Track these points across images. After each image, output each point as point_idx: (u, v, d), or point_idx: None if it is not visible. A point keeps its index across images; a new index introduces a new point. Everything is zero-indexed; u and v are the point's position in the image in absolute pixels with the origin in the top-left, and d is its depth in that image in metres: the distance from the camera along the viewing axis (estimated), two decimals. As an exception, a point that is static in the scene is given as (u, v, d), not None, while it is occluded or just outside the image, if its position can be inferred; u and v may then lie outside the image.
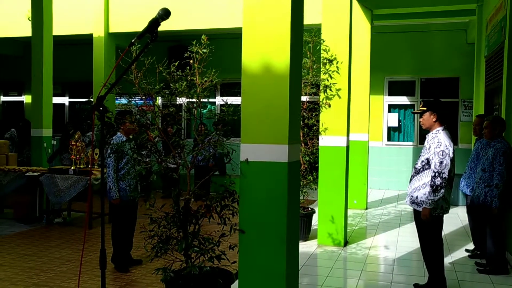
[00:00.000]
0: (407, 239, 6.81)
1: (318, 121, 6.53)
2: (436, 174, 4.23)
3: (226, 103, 3.75)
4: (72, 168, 7.37)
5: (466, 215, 6.37)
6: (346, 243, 6.50)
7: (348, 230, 6.92)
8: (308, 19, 5.52)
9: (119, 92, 3.73)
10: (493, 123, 5.28)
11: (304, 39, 6.18)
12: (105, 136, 4.53)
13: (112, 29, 11.38)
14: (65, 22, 11.12)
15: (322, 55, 6.45)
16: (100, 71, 11.20)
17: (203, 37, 3.71)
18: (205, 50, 3.68)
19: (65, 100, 14.38)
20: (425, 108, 4.49)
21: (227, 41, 10.34)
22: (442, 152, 4.26)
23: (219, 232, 3.53)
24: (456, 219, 8.15)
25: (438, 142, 4.32)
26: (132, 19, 10.88)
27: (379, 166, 11.57)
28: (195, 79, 3.71)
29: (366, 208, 9.16)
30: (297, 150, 3.56)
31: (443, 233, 4.62)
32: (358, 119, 9.08)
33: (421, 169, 4.43)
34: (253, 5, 3.38)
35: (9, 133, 10.76)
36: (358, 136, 9.13)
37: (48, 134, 8.97)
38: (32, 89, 9.09)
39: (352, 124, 7.82)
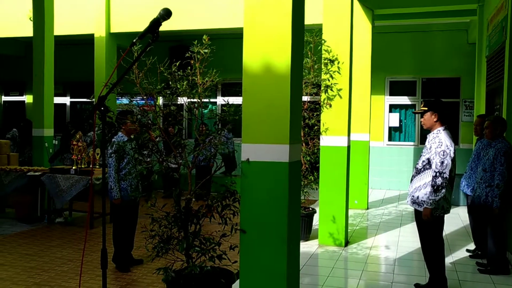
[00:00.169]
0: (408, 239, 6.81)
1: (319, 121, 6.54)
2: (437, 174, 4.23)
3: (227, 103, 3.75)
4: (74, 168, 7.38)
5: (467, 215, 6.37)
6: (347, 243, 6.50)
7: (349, 230, 6.92)
8: (309, 19, 5.53)
9: (120, 92, 3.73)
10: (494, 123, 5.28)
11: (305, 39, 6.19)
12: (106, 136, 4.54)
13: (113, 29, 11.39)
14: (66, 22, 11.13)
15: (323, 55, 6.45)
16: (101, 71, 11.22)
17: (204, 37, 3.71)
18: (206, 50, 3.68)
19: (66, 100, 14.40)
20: (426, 108, 4.49)
21: (228, 41, 10.35)
22: (443, 152, 4.26)
23: (220, 232, 3.53)
24: (457, 219, 8.15)
25: (439, 142, 4.32)
26: (133, 19, 10.89)
27: (380, 166, 11.57)
28: (196, 79, 3.71)
29: (367, 208, 9.15)
30: (298, 150, 3.56)
31: (444, 233, 4.63)
32: (359, 119, 9.08)
33: (422, 169, 4.43)
34: (254, 5, 3.38)
35: (10, 133, 10.78)
36: (359, 136, 9.13)
37: (49, 134, 8.99)
38: (33, 89, 9.10)
39: (353, 124, 7.82)
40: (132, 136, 5.13)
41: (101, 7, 11.29)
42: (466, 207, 6.41)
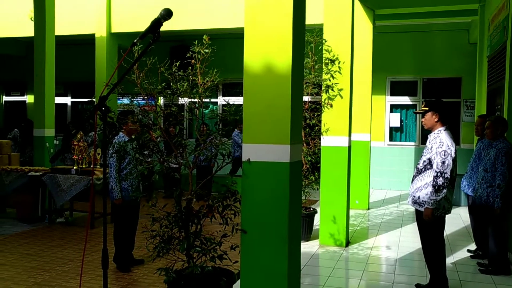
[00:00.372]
0: (409, 239, 6.81)
1: (320, 121, 6.53)
2: (438, 174, 4.23)
3: (228, 103, 3.75)
4: (75, 168, 7.38)
5: (468, 215, 6.37)
6: (348, 243, 6.50)
7: (350, 230, 6.91)
8: (310, 19, 5.52)
9: (121, 92, 3.73)
10: (495, 123, 5.27)
11: (306, 39, 6.18)
12: (107, 136, 4.54)
13: (114, 29, 11.41)
14: (67, 22, 11.15)
15: (324, 55, 6.44)
16: (102, 71, 11.24)
17: (204, 37, 3.71)
18: (207, 50, 3.68)
19: (67, 100, 14.41)
20: (427, 108, 4.49)
21: (229, 41, 10.36)
22: (444, 152, 4.26)
23: (221, 232, 3.53)
24: (458, 219, 8.14)
25: (440, 142, 4.32)
26: (134, 19, 10.90)
27: (381, 166, 11.57)
28: (197, 79, 3.71)
29: (368, 208, 9.15)
30: (299, 150, 3.56)
31: (445, 233, 4.62)
32: (360, 119, 9.07)
33: (423, 169, 4.42)
34: (255, 5, 3.38)
35: (12, 134, 10.79)
36: (360, 136, 9.13)
37: (50, 134, 9.00)
38: (34, 89, 9.11)
39: (354, 124, 7.82)
40: (133, 136, 5.15)
41: (102, 7, 11.30)
42: (467, 207, 6.40)
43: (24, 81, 14.54)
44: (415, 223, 4.78)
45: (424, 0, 9.05)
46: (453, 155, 4.28)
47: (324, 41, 6.47)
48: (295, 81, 3.35)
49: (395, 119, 11.78)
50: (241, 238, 3.45)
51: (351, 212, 7.85)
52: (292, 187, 3.37)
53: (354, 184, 8.38)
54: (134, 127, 4.97)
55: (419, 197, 4.43)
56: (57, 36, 9.34)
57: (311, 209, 6.76)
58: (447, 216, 4.49)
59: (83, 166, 7.47)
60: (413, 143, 11.66)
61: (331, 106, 6.36)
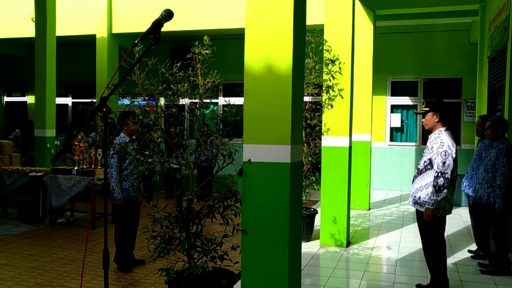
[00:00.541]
0: (409, 239, 6.81)
1: (320, 122, 6.54)
2: (439, 174, 4.23)
3: (229, 104, 3.75)
4: (75, 168, 7.39)
5: (468, 215, 6.36)
6: (348, 244, 6.50)
7: (350, 231, 6.91)
8: (311, 20, 5.53)
9: (122, 93, 3.74)
10: (495, 123, 5.27)
11: (306, 39, 6.19)
12: (108, 137, 4.55)
13: (115, 30, 11.41)
14: (68, 23, 11.15)
15: (324, 55, 6.45)
16: (103, 72, 11.24)
17: (205, 37, 3.71)
18: (207, 51, 3.69)
19: (68, 101, 14.42)
20: (427, 109, 4.49)
21: (230, 42, 10.36)
22: (445, 153, 4.26)
23: (222, 233, 3.54)
24: (459, 219, 8.14)
25: (441, 142, 4.32)
26: (135, 20, 10.91)
27: (381, 167, 11.56)
28: (197, 79, 3.71)
29: (369, 209, 9.15)
30: (299, 150, 3.56)
31: (445, 234, 4.62)
32: (361, 119, 9.07)
33: (424, 170, 4.42)
34: (255, 6, 3.38)
35: (13, 134, 10.80)
36: (360, 136, 9.13)
37: (51, 134, 9.00)
38: (35, 90, 9.11)
39: (355, 125, 7.82)
40: (134, 137, 5.16)
41: (103, 7, 11.31)
42: (467, 207, 6.40)
43: (25, 81, 14.54)
44: (416, 224, 4.78)
45: (424, 0, 9.06)
46: (454, 155, 4.28)
47: (324, 41, 6.47)
48: (295, 81, 3.35)
49: (395, 120, 11.77)
50: (241, 238, 3.45)
51: (352, 212, 7.86)
52: (293, 187, 3.38)
53: (354, 185, 8.38)
54: (135, 128, 4.98)
55: (419, 198, 4.43)
56: (58, 37, 9.35)
57: (312, 209, 6.76)
58: (447, 216, 4.49)
59: (84, 167, 7.48)
60: (413, 144, 11.66)
61: (332, 106, 6.37)
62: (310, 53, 6.56)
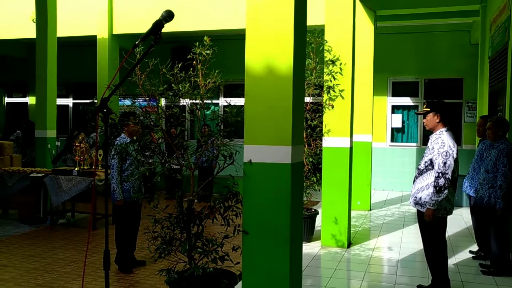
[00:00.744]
0: (410, 240, 6.80)
1: (321, 122, 6.53)
2: (440, 174, 4.23)
3: (230, 104, 3.75)
4: (76, 169, 7.39)
5: (470, 216, 6.36)
6: (349, 244, 6.49)
7: (351, 231, 6.90)
8: (311, 20, 5.52)
9: (123, 94, 3.75)
10: (496, 124, 5.27)
11: (307, 40, 6.19)
12: (109, 138, 4.55)
13: (116, 31, 11.42)
14: (69, 24, 11.16)
15: (325, 56, 6.45)
16: (104, 73, 11.25)
17: (205, 38, 3.71)
18: (208, 52, 3.69)
19: (69, 102, 14.43)
20: (428, 109, 4.49)
21: (231, 42, 10.36)
22: (446, 153, 4.25)
23: (223, 233, 3.54)
24: (460, 220, 8.13)
25: (442, 142, 4.32)
26: (135, 21, 10.92)
27: (382, 167, 11.56)
28: (198, 80, 3.72)
29: (370, 209, 9.14)
30: (300, 151, 3.56)
31: (447, 234, 4.61)
32: (362, 120, 9.07)
33: (425, 170, 4.42)
34: (256, 6, 3.38)
35: (14, 135, 10.81)
36: (361, 137, 9.13)
37: (52, 135, 9.01)
38: (36, 91, 9.13)
39: (356, 125, 7.82)
40: (134, 138, 5.16)
41: (104, 8, 11.32)
42: (469, 208, 6.39)
43: (26, 82, 14.56)
44: (417, 224, 4.78)
45: (425, 1, 9.05)
46: (455, 156, 4.27)
47: (325, 42, 6.47)
48: (296, 82, 3.35)
49: (396, 120, 11.77)
50: (242, 239, 3.45)
51: (353, 213, 7.85)
52: (294, 188, 3.37)
53: (355, 185, 8.37)
54: (135, 129, 4.98)
55: (420, 198, 4.43)
56: (58, 38, 9.36)
57: (313, 210, 6.75)
58: (449, 217, 4.49)
59: (85, 167, 7.48)
60: (414, 144, 11.65)
61: (333, 107, 6.36)
62: (311, 54, 6.56)
